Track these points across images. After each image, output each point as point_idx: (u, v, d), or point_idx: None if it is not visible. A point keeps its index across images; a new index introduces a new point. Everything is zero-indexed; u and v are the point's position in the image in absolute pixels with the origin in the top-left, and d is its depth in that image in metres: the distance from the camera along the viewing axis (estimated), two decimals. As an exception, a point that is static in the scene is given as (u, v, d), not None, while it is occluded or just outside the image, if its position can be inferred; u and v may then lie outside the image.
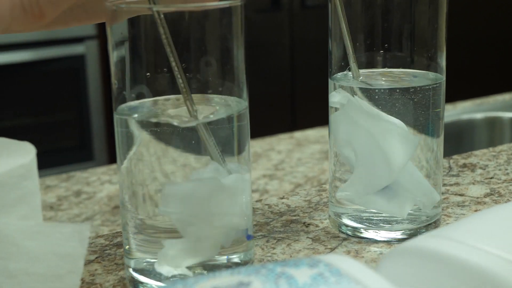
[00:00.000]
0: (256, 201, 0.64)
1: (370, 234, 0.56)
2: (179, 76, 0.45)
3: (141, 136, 0.46)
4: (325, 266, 0.36)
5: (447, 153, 0.75)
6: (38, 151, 0.43)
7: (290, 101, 2.46)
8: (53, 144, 2.11)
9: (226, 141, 0.47)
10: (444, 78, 0.55)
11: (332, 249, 0.54)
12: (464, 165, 0.72)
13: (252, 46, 2.25)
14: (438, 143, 0.56)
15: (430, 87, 0.54)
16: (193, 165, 0.46)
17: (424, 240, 0.40)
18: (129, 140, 0.47)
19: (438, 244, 0.39)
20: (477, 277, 0.37)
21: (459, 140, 1.18)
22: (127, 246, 0.49)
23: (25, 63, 2.03)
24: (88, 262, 0.53)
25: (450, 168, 0.71)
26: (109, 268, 0.52)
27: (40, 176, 0.47)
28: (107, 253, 0.54)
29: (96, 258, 0.53)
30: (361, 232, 0.56)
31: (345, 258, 0.37)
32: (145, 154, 0.46)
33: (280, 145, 1.12)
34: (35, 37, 2.01)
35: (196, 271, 0.47)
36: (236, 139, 0.47)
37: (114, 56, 0.47)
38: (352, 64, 0.54)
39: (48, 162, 1.98)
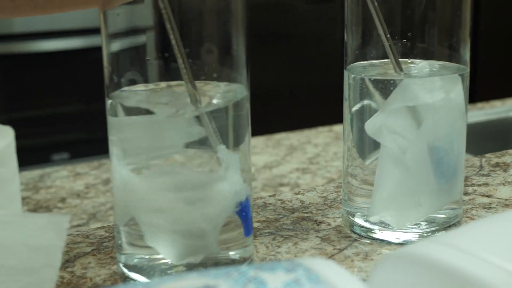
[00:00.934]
0: (270, 196, 0.61)
1: (383, 235, 0.52)
2: (182, 63, 0.42)
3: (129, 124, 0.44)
4: (304, 271, 0.33)
5: (492, 151, 0.70)
6: (85, 138, 0.41)
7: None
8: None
9: (220, 131, 0.44)
10: (468, 70, 0.51)
11: (340, 250, 0.51)
12: (497, 164, 0.67)
13: (302, 38, 2.22)
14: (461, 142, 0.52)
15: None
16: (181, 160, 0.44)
17: (421, 246, 0.36)
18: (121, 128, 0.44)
19: (435, 251, 0.35)
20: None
21: (506, 137, 1.13)
22: (119, 241, 0.46)
23: (76, 50, 2.03)
24: (83, 255, 0.51)
25: (481, 167, 0.67)
26: (103, 262, 0.49)
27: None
28: (105, 246, 0.52)
29: (92, 250, 0.51)
30: (374, 233, 0.52)
31: (329, 264, 0.34)
32: (133, 146, 0.44)
33: (317, 138, 1.09)
34: (86, 24, 2.01)
35: (179, 270, 0.44)
36: (231, 129, 0.44)
37: (109, 43, 0.44)
38: (392, 57, 0.50)
39: (97, 149, 1.98)
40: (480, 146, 1.05)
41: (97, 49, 2.11)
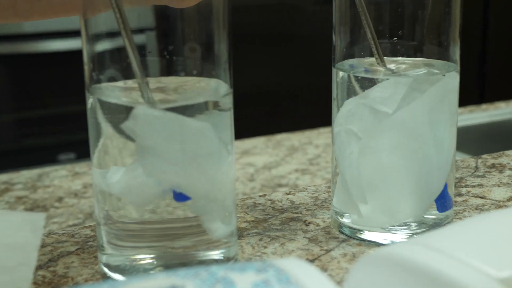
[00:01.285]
0: (260, 196, 0.60)
1: (372, 236, 0.51)
2: (133, 57, 0.41)
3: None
4: (275, 272, 0.32)
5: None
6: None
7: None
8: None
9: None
10: (458, 69, 0.50)
11: (327, 251, 0.50)
12: (493, 166, 0.66)
13: (304, 39, 2.21)
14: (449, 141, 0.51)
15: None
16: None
17: (398, 247, 0.35)
18: (98, 130, 0.44)
19: (411, 251, 0.34)
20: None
21: (509, 139, 1.12)
22: (101, 241, 0.46)
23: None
24: (66, 254, 0.50)
25: (476, 168, 0.66)
26: (86, 261, 0.49)
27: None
28: (89, 245, 0.51)
29: (76, 250, 0.51)
30: (363, 234, 0.52)
31: (302, 265, 0.33)
32: (110, 147, 0.43)
33: (319, 139, 1.08)
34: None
35: (159, 270, 0.44)
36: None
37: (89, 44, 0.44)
38: (375, 52, 0.49)
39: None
40: (482, 148, 1.04)
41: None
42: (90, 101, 0.44)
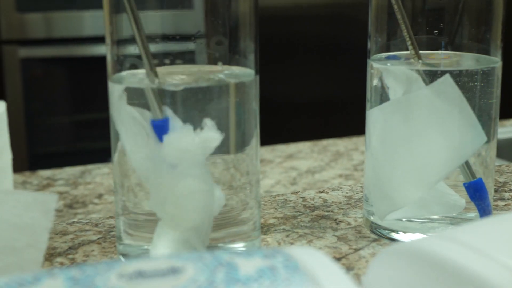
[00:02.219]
0: (292, 193, 0.58)
1: (404, 237, 0.49)
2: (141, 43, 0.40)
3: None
4: (283, 258, 0.30)
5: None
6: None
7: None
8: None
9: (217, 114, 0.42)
10: (500, 63, 0.48)
11: (356, 250, 0.48)
12: (541, 172, 0.63)
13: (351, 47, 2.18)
14: (488, 146, 0.48)
15: (477, 71, 0.47)
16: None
17: (421, 241, 0.33)
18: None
19: (434, 245, 0.32)
20: (474, 285, 0.30)
21: None
22: (119, 230, 0.45)
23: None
24: (87, 242, 0.49)
25: (523, 173, 0.63)
26: (106, 250, 0.48)
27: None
28: (112, 235, 0.50)
29: (98, 239, 0.50)
30: (397, 234, 0.49)
31: (315, 253, 0.31)
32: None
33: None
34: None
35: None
36: (231, 114, 0.42)
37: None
38: (410, 46, 0.47)
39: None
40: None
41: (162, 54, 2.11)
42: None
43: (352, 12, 2.19)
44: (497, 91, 0.48)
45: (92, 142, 1.93)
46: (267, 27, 1.99)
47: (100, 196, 0.85)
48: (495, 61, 0.48)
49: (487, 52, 0.48)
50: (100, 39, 1.92)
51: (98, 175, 0.93)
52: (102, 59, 1.99)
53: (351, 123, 2.15)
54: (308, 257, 0.31)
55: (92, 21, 1.86)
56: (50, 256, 0.47)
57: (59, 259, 0.46)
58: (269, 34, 1.99)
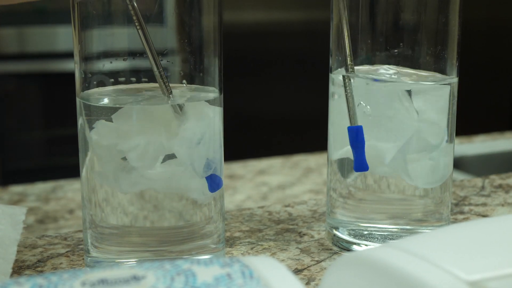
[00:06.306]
0: (258, 207, 0.60)
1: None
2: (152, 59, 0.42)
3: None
4: (240, 266, 0.32)
5: None
6: None
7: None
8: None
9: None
10: (456, 80, 0.50)
11: (318, 262, 0.49)
12: (500, 186, 0.65)
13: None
14: (441, 152, 0.50)
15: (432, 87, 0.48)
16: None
17: (372, 250, 0.35)
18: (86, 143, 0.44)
19: (384, 254, 0.34)
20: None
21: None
22: (87, 243, 0.46)
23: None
24: (56, 255, 0.50)
25: (482, 187, 0.65)
26: (74, 263, 0.49)
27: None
28: (80, 248, 0.51)
29: (67, 252, 0.51)
30: (358, 246, 0.51)
31: (270, 261, 0.32)
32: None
33: (336, 161, 1.07)
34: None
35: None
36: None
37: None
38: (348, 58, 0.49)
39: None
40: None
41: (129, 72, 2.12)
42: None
43: (318, 28, 2.22)
44: (453, 107, 0.50)
45: (65, 158, 1.93)
46: (238, 42, 2.01)
47: (71, 211, 0.86)
48: (451, 78, 0.50)
49: (443, 70, 0.49)
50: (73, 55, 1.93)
51: (70, 190, 0.94)
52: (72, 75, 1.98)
53: (321, 138, 2.18)
54: (263, 265, 0.32)
55: (66, 37, 1.86)
56: (19, 268, 0.48)
57: (27, 272, 0.47)
58: (241, 49, 2.01)
